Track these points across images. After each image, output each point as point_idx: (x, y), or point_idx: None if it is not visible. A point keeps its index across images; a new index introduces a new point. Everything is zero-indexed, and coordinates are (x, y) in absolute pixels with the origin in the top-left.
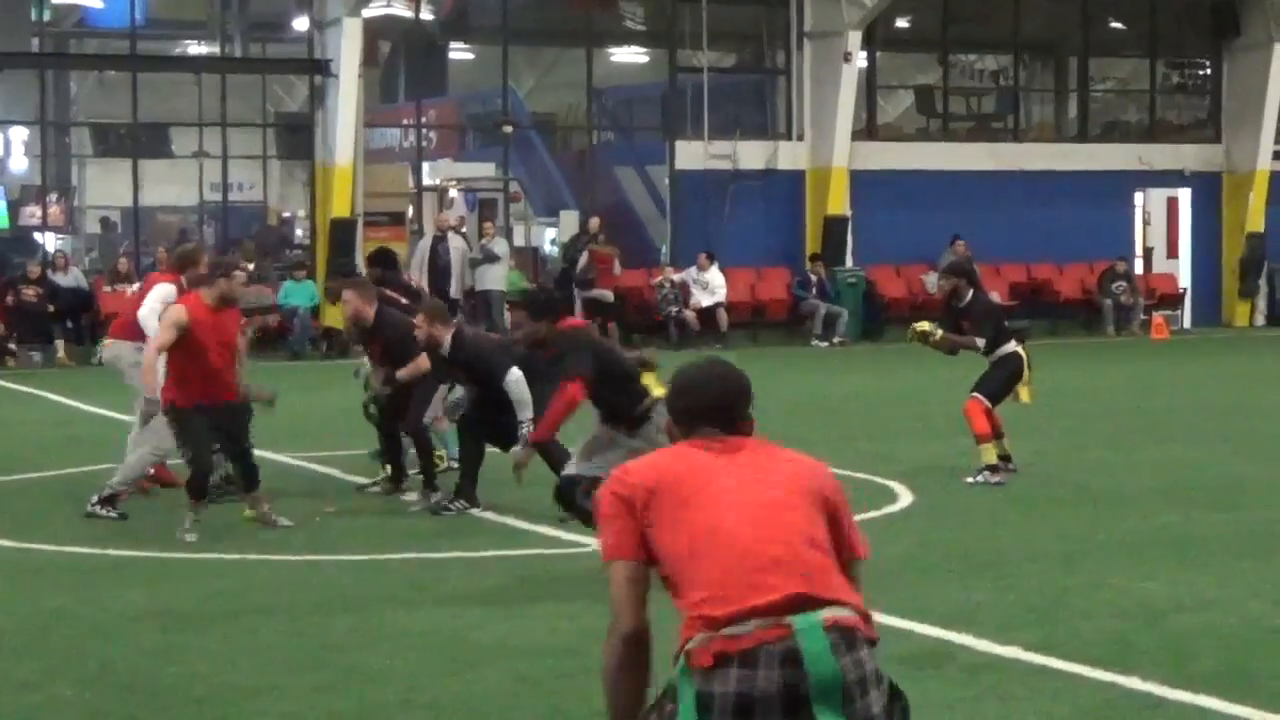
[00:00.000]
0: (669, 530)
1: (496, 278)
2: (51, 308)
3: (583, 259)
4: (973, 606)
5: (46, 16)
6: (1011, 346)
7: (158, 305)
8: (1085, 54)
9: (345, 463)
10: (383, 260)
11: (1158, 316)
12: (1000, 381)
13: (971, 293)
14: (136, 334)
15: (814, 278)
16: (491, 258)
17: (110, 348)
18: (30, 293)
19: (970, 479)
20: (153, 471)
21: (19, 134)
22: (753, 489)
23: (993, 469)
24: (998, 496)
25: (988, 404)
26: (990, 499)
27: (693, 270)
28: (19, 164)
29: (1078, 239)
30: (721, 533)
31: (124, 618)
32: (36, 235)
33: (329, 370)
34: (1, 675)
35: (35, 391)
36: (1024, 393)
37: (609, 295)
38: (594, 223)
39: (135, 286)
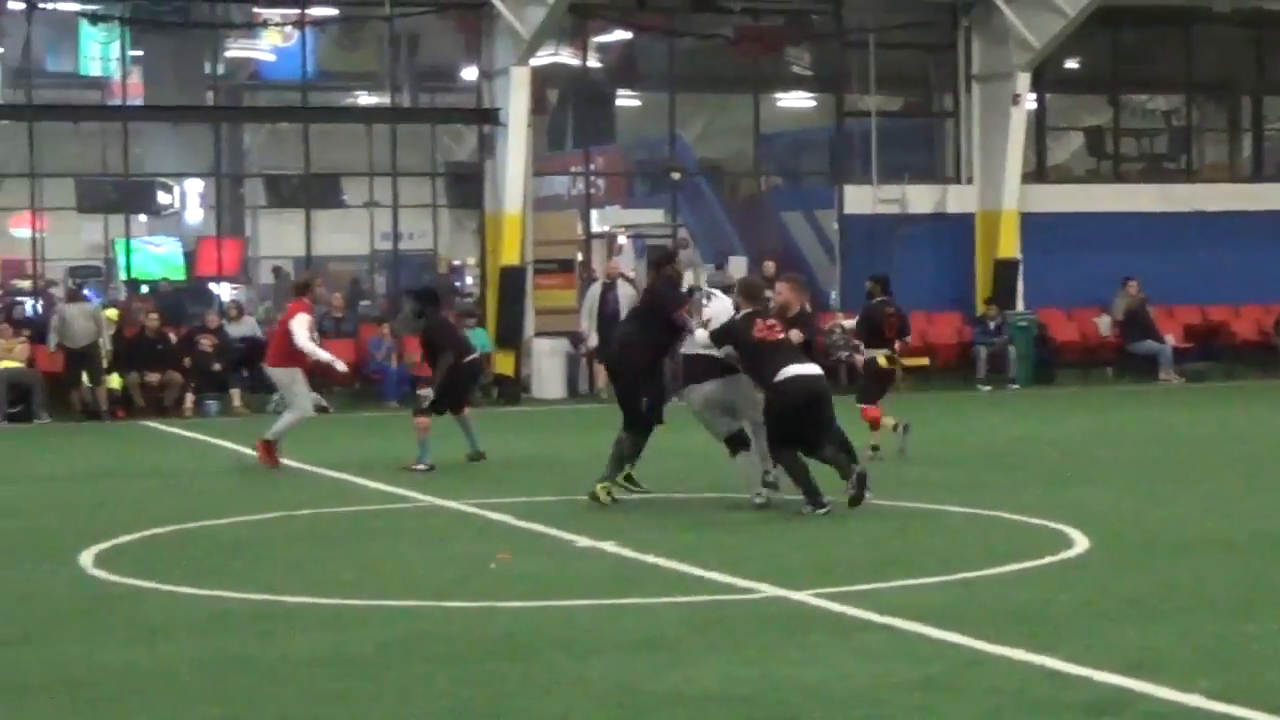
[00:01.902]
0: None
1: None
2: (218, 364)
3: (774, 301)
4: (1152, 653)
5: (220, 70)
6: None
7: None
8: (1259, 92)
9: (518, 509)
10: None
11: None
12: (865, 387)
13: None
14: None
15: (992, 324)
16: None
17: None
18: (207, 342)
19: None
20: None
21: (194, 186)
22: None
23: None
24: (1175, 541)
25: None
26: (1167, 543)
27: None
28: (194, 215)
29: (1254, 280)
30: None
31: (301, 663)
32: (211, 285)
33: (502, 417)
34: (183, 718)
35: (211, 440)
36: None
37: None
38: (768, 266)
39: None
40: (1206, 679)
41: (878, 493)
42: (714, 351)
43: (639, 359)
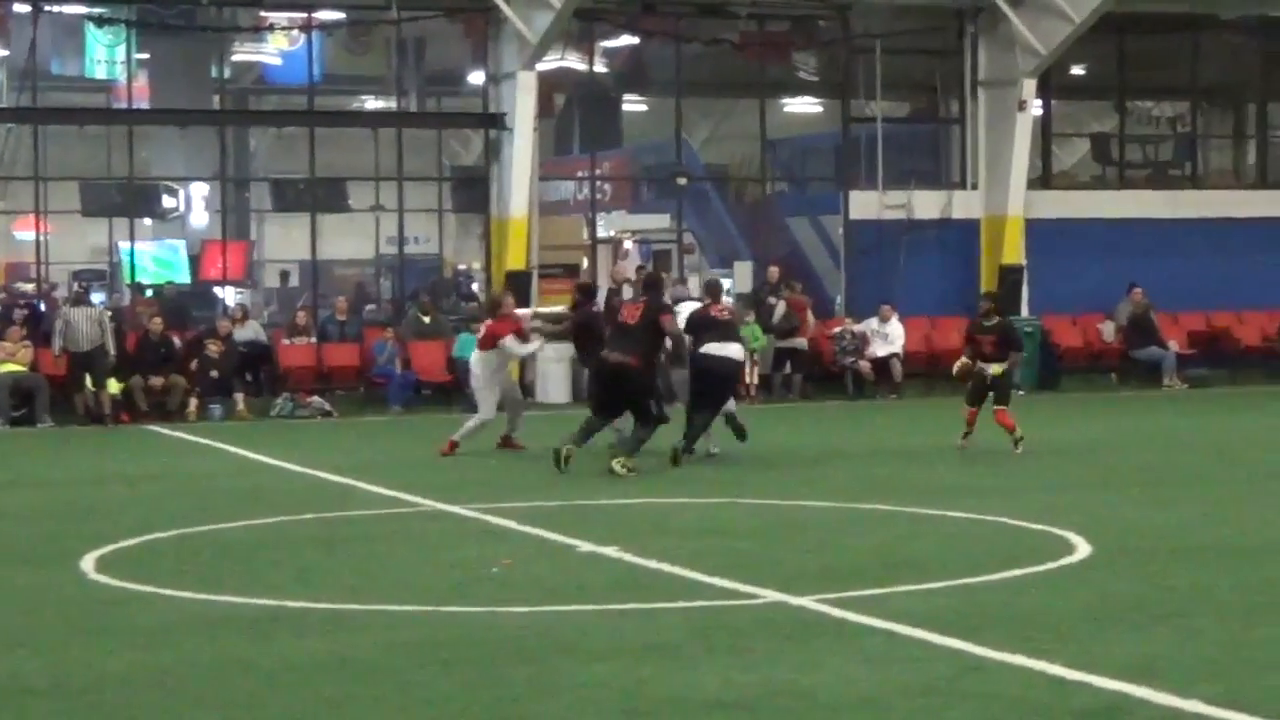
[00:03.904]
0: None
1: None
2: (215, 371)
3: (780, 308)
4: (1152, 659)
5: (227, 74)
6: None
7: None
8: (1265, 99)
9: (520, 514)
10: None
11: None
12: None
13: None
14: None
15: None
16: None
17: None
18: (214, 348)
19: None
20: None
21: (199, 189)
22: None
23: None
24: (1176, 547)
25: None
26: (1169, 549)
27: (874, 321)
28: (200, 219)
29: (1258, 286)
30: None
31: (302, 668)
32: (216, 289)
33: (505, 421)
34: None
35: (216, 444)
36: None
37: (804, 344)
38: (772, 272)
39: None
40: (1206, 685)
41: (883, 500)
42: None
43: (647, 366)
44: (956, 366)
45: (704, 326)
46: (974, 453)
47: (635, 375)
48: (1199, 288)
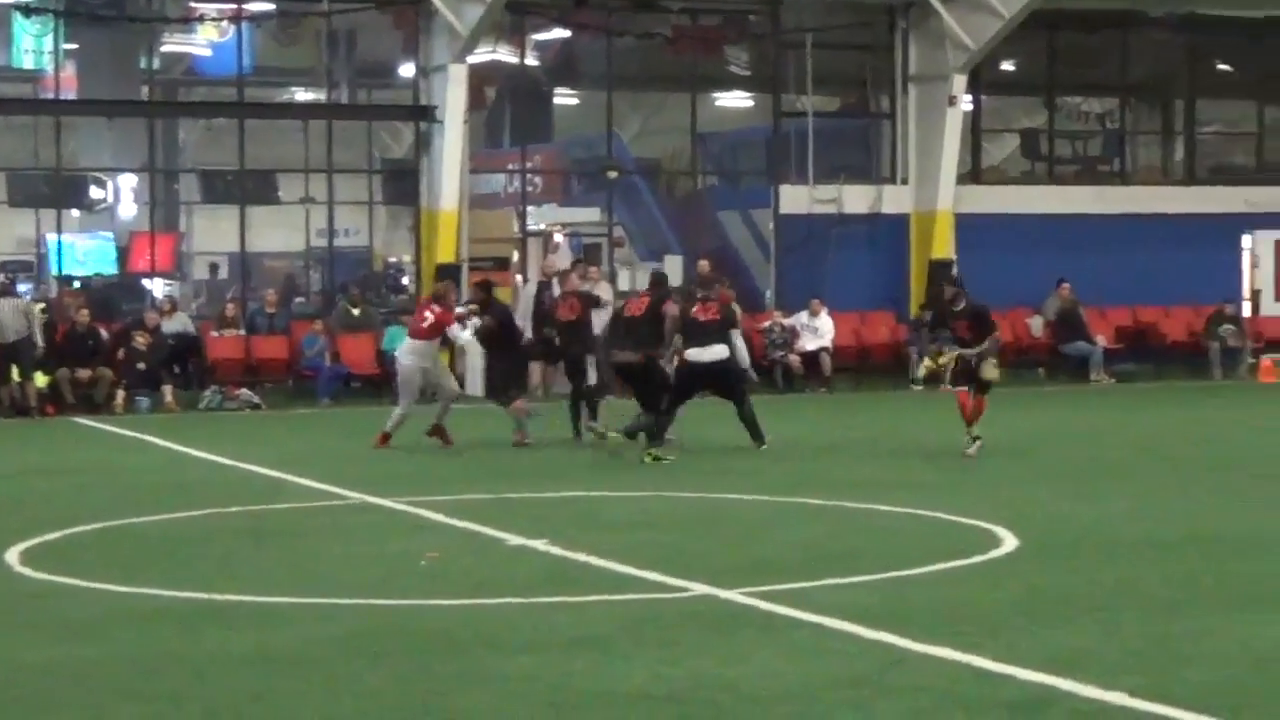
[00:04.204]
0: None
1: (599, 322)
2: (142, 364)
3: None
4: (1078, 652)
5: (155, 65)
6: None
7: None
8: (1192, 96)
9: (449, 507)
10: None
11: (1266, 359)
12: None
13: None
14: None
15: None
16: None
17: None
18: (141, 340)
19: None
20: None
21: (128, 181)
22: None
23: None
24: (1103, 541)
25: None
26: (1095, 543)
27: (803, 315)
28: (128, 210)
29: (1184, 282)
30: None
31: (229, 661)
32: (145, 281)
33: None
34: (108, 717)
35: (143, 437)
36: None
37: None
38: (702, 265)
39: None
40: (1130, 677)
41: (812, 493)
42: None
43: (654, 358)
44: (922, 371)
45: (686, 332)
46: (903, 447)
47: (643, 371)
48: (1126, 283)
